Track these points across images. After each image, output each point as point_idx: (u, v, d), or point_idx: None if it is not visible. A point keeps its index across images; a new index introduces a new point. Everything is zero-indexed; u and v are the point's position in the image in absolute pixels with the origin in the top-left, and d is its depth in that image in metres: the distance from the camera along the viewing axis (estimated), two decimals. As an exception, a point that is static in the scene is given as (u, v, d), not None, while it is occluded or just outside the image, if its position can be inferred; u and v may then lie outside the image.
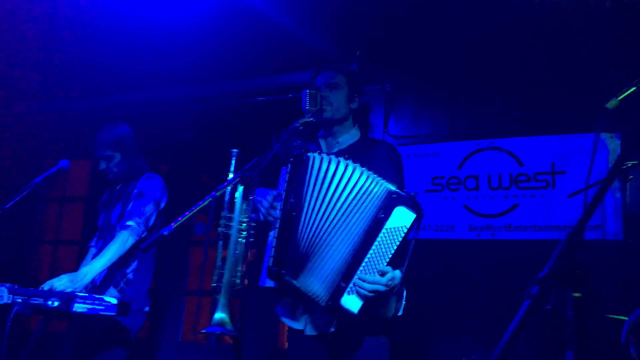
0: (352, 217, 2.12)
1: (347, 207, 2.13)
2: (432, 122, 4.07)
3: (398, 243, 2.07)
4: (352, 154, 2.25)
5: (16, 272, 4.75)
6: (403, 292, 2.31)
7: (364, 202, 2.12)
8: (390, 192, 2.10)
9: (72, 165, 3.21)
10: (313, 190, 2.16)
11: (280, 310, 2.41)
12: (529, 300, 1.16)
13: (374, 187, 2.12)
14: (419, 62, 4.13)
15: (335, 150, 2.48)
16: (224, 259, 2.10)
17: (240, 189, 2.12)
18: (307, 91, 2.39)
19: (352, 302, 2.08)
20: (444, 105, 4.04)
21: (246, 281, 2.40)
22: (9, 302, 2.59)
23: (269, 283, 2.27)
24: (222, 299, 2.01)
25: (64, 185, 5.25)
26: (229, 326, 1.97)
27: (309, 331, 2.30)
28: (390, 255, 2.07)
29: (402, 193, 2.09)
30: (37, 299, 2.58)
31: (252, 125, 4.21)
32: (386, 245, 2.08)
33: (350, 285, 2.08)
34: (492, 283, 3.57)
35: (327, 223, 2.13)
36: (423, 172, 3.99)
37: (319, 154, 2.19)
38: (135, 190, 3.19)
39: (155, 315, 4.54)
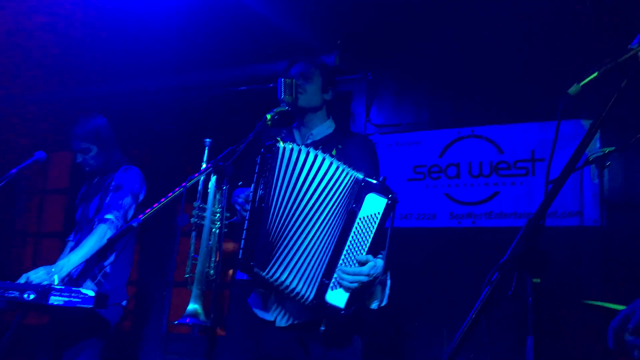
0: (324, 209, 2.12)
1: (318, 198, 2.12)
2: (413, 111, 4.07)
3: (374, 231, 2.06)
4: (325, 145, 2.25)
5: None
6: (387, 280, 2.30)
7: (334, 192, 2.12)
8: (358, 181, 2.10)
9: (53, 158, 3.19)
10: (283, 181, 2.15)
11: (252, 301, 2.41)
12: (488, 286, 1.17)
13: (344, 177, 2.12)
14: (400, 51, 4.12)
15: (309, 141, 2.49)
16: (197, 250, 2.09)
17: (213, 178, 2.10)
18: (282, 79, 2.39)
19: (337, 297, 2.07)
20: (425, 94, 4.03)
21: (230, 272, 2.40)
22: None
23: (244, 275, 2.26)
24: (194, 290, 2.01)
25: (45, 177, 5.21)
26: (202, 317, 1.97)
27: (280, 322, 2.30)
28: (368, 244, 2.07)
29: (371, 180, 2.09)
30: (13, 292, 2.57)
31: (230, 115, 4.19)
32: (363, 235, 2.07)
33: (333, 280, 2.07)
34: (473, 271, 3.58)
35: (297, 214, 2.13)
36: (405, 160, 3.99)
37: (289, 144, 2.18)
38: (113, 183, 3.16)
39: (140, 307, 4.53)
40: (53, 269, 2.83)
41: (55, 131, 4.49)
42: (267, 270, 2.10)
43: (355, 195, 2.08)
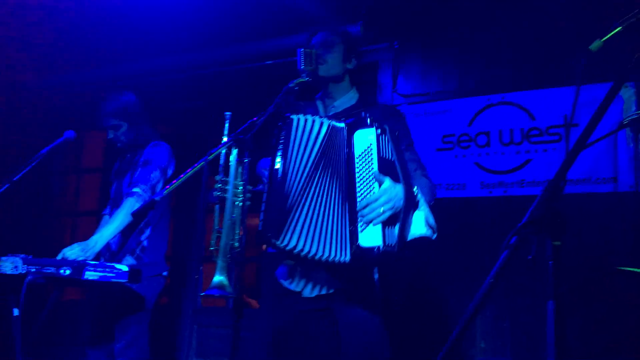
0: (327, 169, 2.14)
1: (321, 161, 2.15)
2: (441, 79, 3.99)
3: (375, 163, 2.06)
4: (353, 117, 2.23)
5: (38, 244, 4.87)
6: (423, 208, 2.22)
7: (331, 149, 2.14)
8: (341, 128, 2.13)
9: (87, 137, 3.25)
10: (296, 151, 2.17)
11: (279, 273, 2.42)
12: (506, 250, 1.14)
13: (332, 131, 2.16)
14: (427, 18, 4.03)
15: (331, 113, 2.47)
16: (221, 223, 2.11)
17: (234, 152, 2.11)
18: (302, 50, 2.36)
19: (370, 237, 2.02)
20: (453, 61, 3.94)
21: (264, 247, 2.42)
22: (24, 272, 2.66)
23: (270, 249, 2.28)
24: (220, 262, 2.02)
25: (80, 157, 5.33)
26: (228, 289, 1.98)
27: (307, 293, 2.31)
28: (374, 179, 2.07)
29: (351, 119, 2.13)
30: (49, 268, 2.65)
31: (253, 90, 4.19)
32: (367, 172, 2.07)
33: (357, 224, 2.04)
34: (504, 240, 3.52)
35: (308, 181, 2.14)
36: (433, 130, 3.93)
37: (303, 115, 2.19)
38: (142, 158, 3.22)
39: (175, 282, 4.62)
40: (87, 245, 2.91)
41: (89, 110, 4.56)
42: (281, 239, 2.11)
43: (346, 141, 2.11)
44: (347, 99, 2.50)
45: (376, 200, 2.01)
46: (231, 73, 4.45)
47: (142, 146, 3.28)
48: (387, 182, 2.04)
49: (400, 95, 4.06)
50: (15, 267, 2.70)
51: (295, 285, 2.34)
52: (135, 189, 3.07)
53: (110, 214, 3.34)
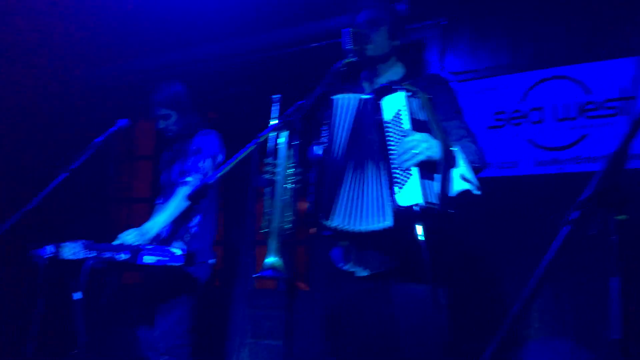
0: (363, 140, 2.17)
1: (355, 134, 2.19)
2: (492, 55, 3.87)
3: (408, 124, 2.06)
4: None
5: (96, 231, 5.04)
6: (460, 162, 2.14)
7: (363, 121, 2.18)
8: (369, 99, 2.19)
9: (140, 126, 3.32)
10: (338, 130, 2.22)
11: (333, 254, 2.43)
12: (568, 226, 1.10)
13: (360, 103, 2.20)
14: (475, -8, 3.91)
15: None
16: (271, 206, 2.12)
17: (284, 134, 2.11)
18: (348, 30, 2.34)
19: (409, 195, 2.01)
20: (503, 36, 3.82)
21: (313, 230, 2.44)
22: (84, 257, 2.76)
23: (325, 232, 2.29)
24: (272, 244, 2.04)
25: (133, 145, 5.46)
26: (281, 270, 2.00)
27: (361, 272, 2.31)
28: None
29: (377, 88, 2.17)
30: (108, 252, 2.74)
31: (301, 73, 4.17)
32: (398, 134, 2.08)
33: (394, 186, 2.05)
34: (560, 217, 3.42)
35: (347, 156, 2.18)
36: (484, 108, 3.83)
37: (345, 95, 2.23)
38: (192, 147, 3.27)
39: (227, 265, 4.70)
40: (142, 231, 2.99)
41: (139, 99, 4.65)
42: (330, 219, 2.13)
43: (375, 109, 2.15)
44: (392, 74, 2.48)
45: (408, 143, 2.01)
46: (278, 57, 4.45)
47: (192, 135, 3.33)
48: (421, 134, 2.04)
49: (449, 73, 3.97)
50: (76, 252, 2.81)
51: (350, 266, 2.35)
52: (188, 178, 3.14)
53: (162, 203, 3.42)
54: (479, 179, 2.18)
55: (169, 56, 4.75)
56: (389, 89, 2.14)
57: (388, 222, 2.05)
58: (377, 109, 2.14)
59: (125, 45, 4.83)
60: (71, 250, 2.82)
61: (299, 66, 4.41)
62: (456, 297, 2.39)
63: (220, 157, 3.28)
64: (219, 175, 1.92)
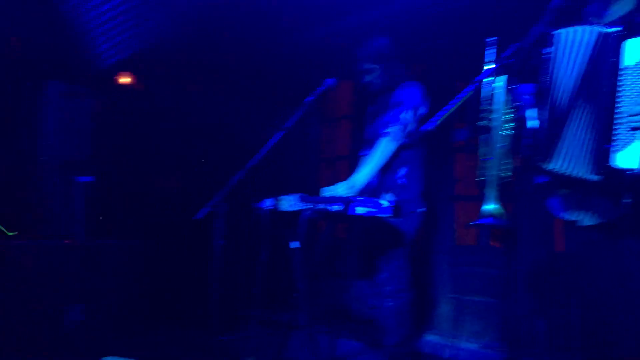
0: (592, 83, 1.98)
1: (586, 74, 1.99)
2: None
3: None
4: (625, 24, 1.99)
5: (303, 186, 5.41)
6: None
7: (597, 60, 1.97)
8: (609, 34, 1.93)
9: (339, 86, 3.45)
10: (563, 68, 2.06)
11: (553, 204, 2.30)
12: None
13: (594, 37, 1.98)
14: None
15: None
16: (488, 154, 2.07)
17: (501, 78, 2.03)
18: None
19: (627, 158, 1.87)
20: None
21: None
22: (300, 208, 2.98)
23: (541, 179, 2.20)
24: (490, 192, 2.00)
25: (333, 105, 5.70)
26: (500, 217, 1.96)
27: (583, 221, 2.16)
28: None
29: (622, 25, 1.92)
30: (322, 204, 2.92)
31: (515, 14, 3.91)
32: (633, 86, 1.87)
33: (613, 143, 1.89)
34: None
35: (572, 98, 2.02)
36: None
37: (569, 28, 2.04)
38: (394, 99, 3.31)
39: (427, 222, 4.73)
40: (350, 184, 3.14)
41: (338, 61, 4.81)
42: (548, 162, 2.02)
43: (613, 50, 1.92)
44: (622, 4, 2.21)
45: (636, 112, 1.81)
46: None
47: (395, 88, 3.37)
48: None
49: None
50: (293, 204, 3.04)
51: (569, 215, 2.21)
52: (388, 129, 3.20)
53: (367, 155, 3.53)
54: None
55: (372, 13, 4.79)
56: (636, 27, 1.90)
57: (596, 177, 1.92)
58: (617, 49, 1.92)
59: (331, 6, 4.95)
60: (288, 203, 3.07)
61: (513, 7, 4.15)
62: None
63: (422, 109, 3.28)
64: (439, 121, 1.92)
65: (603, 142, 1.93)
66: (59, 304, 3.68)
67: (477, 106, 2.09)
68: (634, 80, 1.87)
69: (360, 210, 2.83)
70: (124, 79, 5.23)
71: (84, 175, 3.90)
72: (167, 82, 5.44)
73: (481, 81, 2.04)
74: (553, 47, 2.08)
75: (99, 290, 3.89)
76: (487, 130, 2.07)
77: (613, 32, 1.95)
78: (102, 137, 4.19)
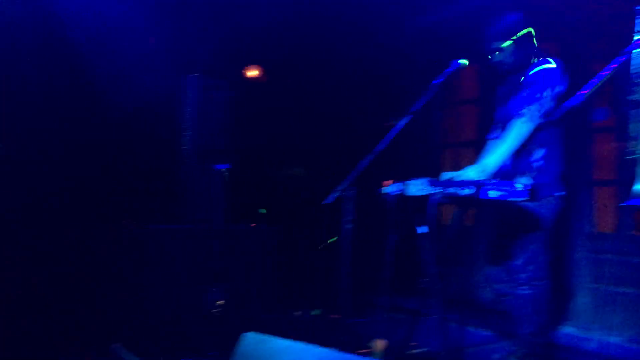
0: None
1: None
2: None
3: None
4: None
5: (424, 172, 5.34)
6: None
7: None
8: None
9: (462, 70, 3.32)
10: None
11: None
12: None
13: None
14: None
15: None
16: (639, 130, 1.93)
17: (655, 49, 1.87)
18: None
19: None
20: None
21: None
22: (429, 192, 2.93)
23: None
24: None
25: (457, 89, 5.56)
26: (654, 198, 1.82)
27: None
28: None
29: None
30: (452, 188, 2.85)
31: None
32: None
33: None
34: None
35: None
36: None
37: None
38: (529, 79, 3.16)
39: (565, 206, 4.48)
40: (482, 167, 3.04)
41: (463, 43, 4.67)
42: None
43: None
44: None
45: None
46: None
47: (528, 66, 3.21)
48: None
49: None
50: (421, 189, 2.98)
51: None
52: (524, 110, 3.05)
53: (497, 138, 3.40)
54: None
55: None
56: None
57: None
58: None
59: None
60: (416, 187, 3.01)
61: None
62: None
63: (559, 88, 3.09)
64: (586, 95, 1.81)
65: None
66: (201, 285, 3.96)
67: (625, 80, 1.95)
68: None
69: (493, 194, 2.73)
70: (256, 72, 5.48)
71: (222, 163, 4.15)
72: (294, 71, 5.61)
73: (631, 52, 1.89)
74: None
75: (237, 272, 4.14)
76: (638, 105, 1.93)
77: None
78: (237, 127, 4.42)
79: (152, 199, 4.61)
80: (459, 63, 3.21)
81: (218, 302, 3.96)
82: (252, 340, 2.38)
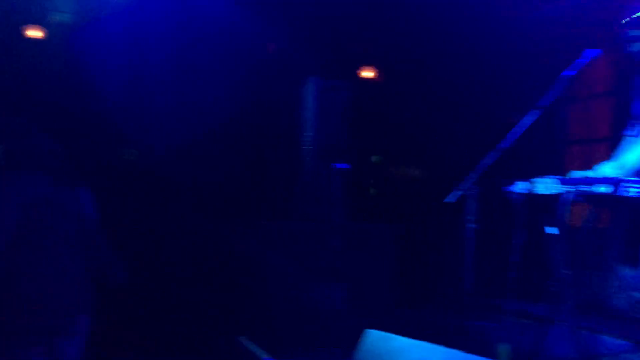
0: None
1: None
2: None
3: None
4: None
5: (548, 170, 5.09)
6: None
7: None
8: None
9: (594, 61, 3.13)
10: None
11: None
12: None
13: None
14: None
15: None
16: None
17: None
18: None
19: None
20: None
21: None
22: (559, 191, 2.78)
23: None
24: None
25: (587, 82, 5.22)
26: None
27: None
28: None
29: None
30: (586, 186, 2.68)
31: None
32: None
33: None
34: None
35: None
36: None
37: None
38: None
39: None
40: (620, 163, 2.83)
41: (596, 32, 4.40)
42: None
43: None
44: None
45: None
46: None
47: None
48: None
49: None
50: (551, 187, 2.83)
51: None
52: None
53: (634, 133, 3.15)
54: None
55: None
56: None
57: None
58: None
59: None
60: (545, 185, 2.87)
61: None
62: None
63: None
64: None
65: None
66: (323, 281, 4.04)
67: None
68: None
69: (633, 191, 2.53)
70: (374, 73, 5.51)
71: (342, 162, 4.22)
72: (412, 69, 5.58)
73: None
74: None
75: (358, 269, 4.17)
76: None
77: None
78: (357, 127, 4.47)
79: (276, 197, 4.80)
80: (594, 53, 3.01)
81: (338, 298, 4.01)
82: (375, 337, 2.40)
